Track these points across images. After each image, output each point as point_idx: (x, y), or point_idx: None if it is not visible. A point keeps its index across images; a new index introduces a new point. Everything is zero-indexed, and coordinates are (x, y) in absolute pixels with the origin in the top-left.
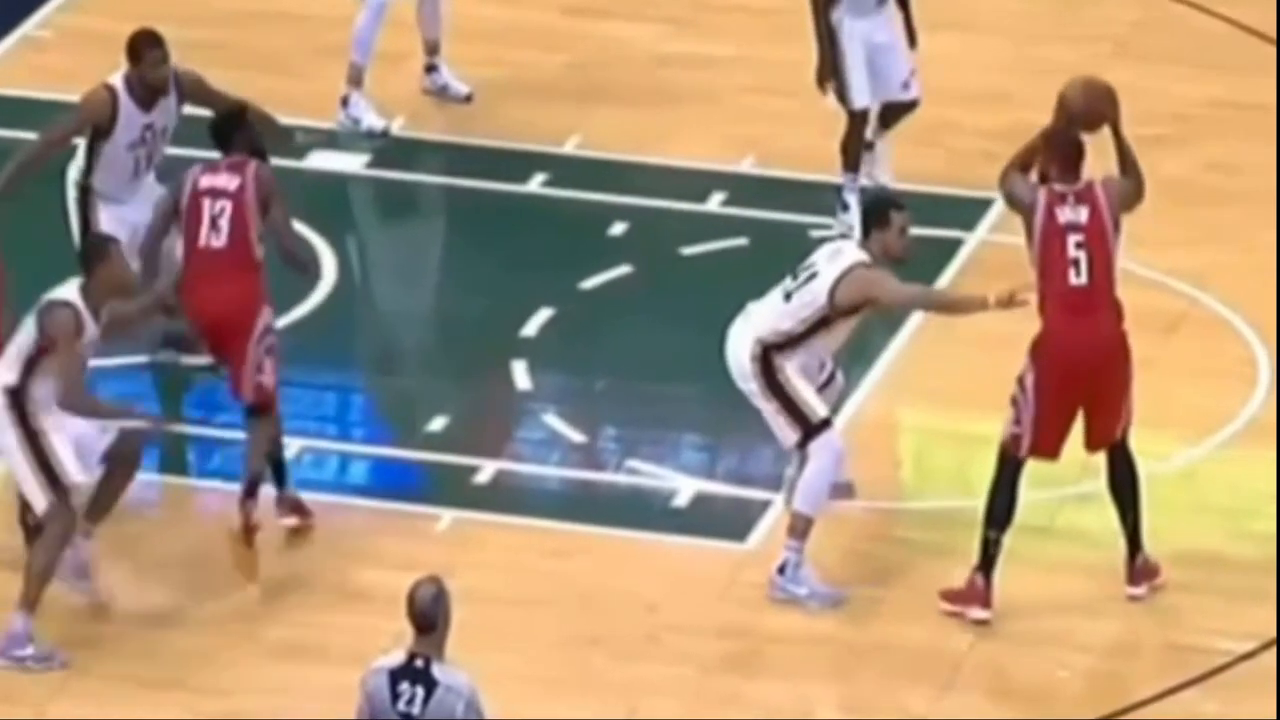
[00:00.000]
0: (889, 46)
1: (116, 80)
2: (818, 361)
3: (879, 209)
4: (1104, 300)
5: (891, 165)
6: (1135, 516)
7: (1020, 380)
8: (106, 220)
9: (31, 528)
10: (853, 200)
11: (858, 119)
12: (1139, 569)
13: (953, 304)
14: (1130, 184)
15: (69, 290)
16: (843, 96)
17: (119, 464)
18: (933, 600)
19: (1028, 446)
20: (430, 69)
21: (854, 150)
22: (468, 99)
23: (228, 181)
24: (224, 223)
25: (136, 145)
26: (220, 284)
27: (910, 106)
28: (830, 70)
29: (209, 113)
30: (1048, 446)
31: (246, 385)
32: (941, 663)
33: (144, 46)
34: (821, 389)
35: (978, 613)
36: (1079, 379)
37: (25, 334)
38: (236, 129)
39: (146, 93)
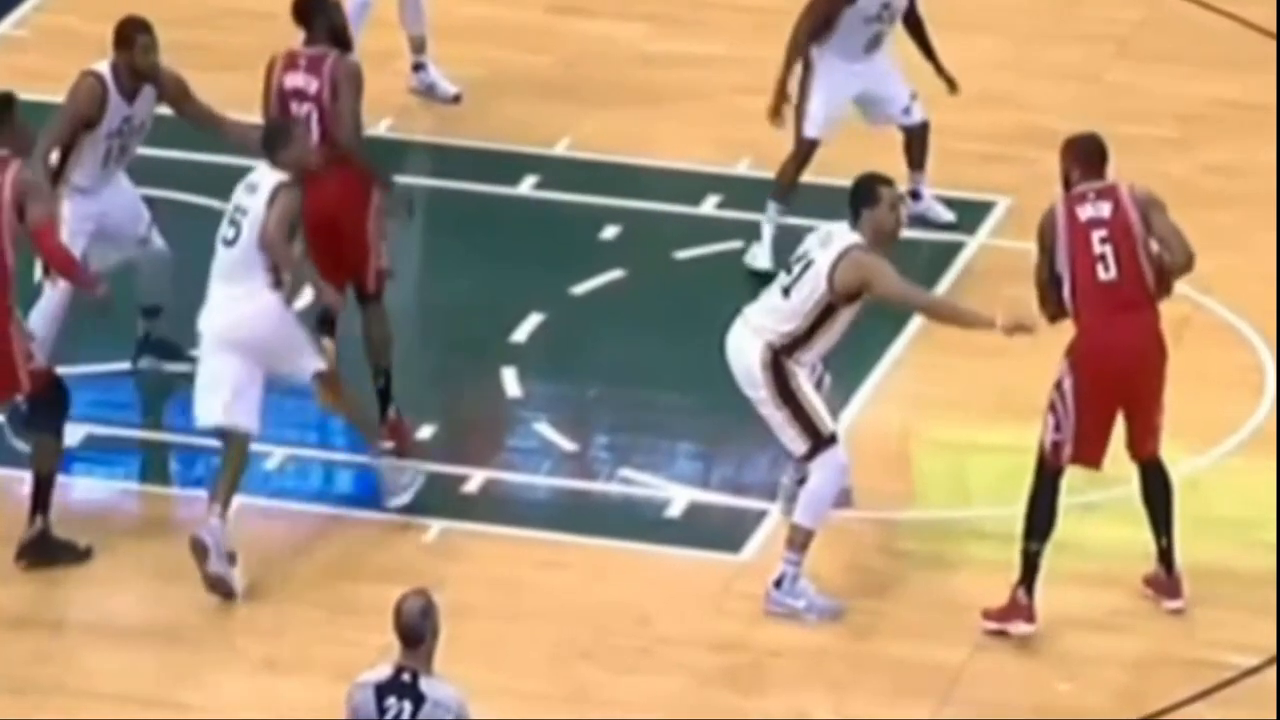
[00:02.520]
0: (879, 82)
1: (103, 68)
2: (815, 367)
3: (866, 186)
4: (1137, 296)
5: (936, 201)
6: (1169, 529)
7: (1058, 385)
8: (71, 212)
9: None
10: (767, 232)
11: (804, 147)
12: (1176, 581)
13: (957, 316)
14: (1179, 261)
15: (273, 173)
16: (799, 121)
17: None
18: (931, 612)
19: (1069, 454)
20: (417, 68)
21: (788, 178)
22: (456, 99)
23: (306, 83)
24: (313, 124)
25: (113, 135)
26: (321, 182)
27: (920, 131)
28: (783, 96)
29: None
30: (1091, 454)
31: (370, 276)
32: (940, 676)
33: (134, 32)
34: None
35: (1022, 628)
36: (1118, 379)
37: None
38: (318, 9)
39: (132, 81)
